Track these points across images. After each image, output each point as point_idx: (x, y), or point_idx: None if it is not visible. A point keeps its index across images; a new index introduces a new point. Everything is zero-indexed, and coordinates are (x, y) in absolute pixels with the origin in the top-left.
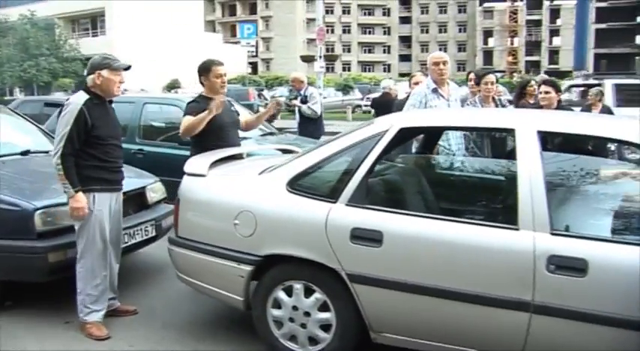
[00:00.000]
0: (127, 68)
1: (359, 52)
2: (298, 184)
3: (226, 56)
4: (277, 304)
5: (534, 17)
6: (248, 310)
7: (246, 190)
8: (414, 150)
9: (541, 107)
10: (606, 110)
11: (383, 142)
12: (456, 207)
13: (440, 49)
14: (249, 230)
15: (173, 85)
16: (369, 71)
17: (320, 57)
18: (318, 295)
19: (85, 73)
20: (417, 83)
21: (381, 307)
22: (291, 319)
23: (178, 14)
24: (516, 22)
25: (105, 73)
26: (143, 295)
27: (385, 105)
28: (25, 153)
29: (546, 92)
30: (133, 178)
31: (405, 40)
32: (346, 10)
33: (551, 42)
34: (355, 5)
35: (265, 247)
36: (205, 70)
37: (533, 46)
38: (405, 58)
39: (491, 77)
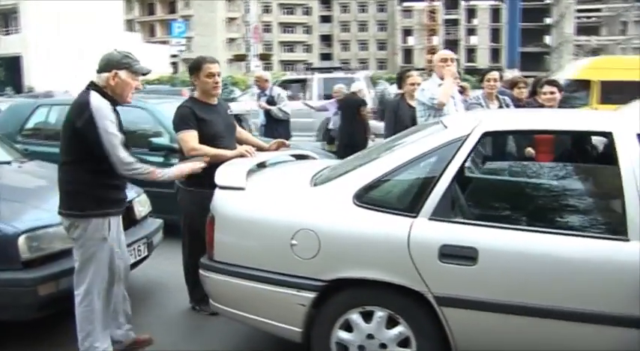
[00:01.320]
0: (147, 73)
1: (280, 51)
2: (368, 197)
3: (147, 56)
4: (348, 327)
5: (452, 17)
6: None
7: (303, 206)
8: None
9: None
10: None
11: (466, 148)
12: (555, 218)
13: (360, 48)
14: (311, 252)
15: None
16: (291, 70)
17: (255, 56)
18: (402, 329)
19: (98, 69)
20: (413, 84)
21: (473, 331)
22: (361, 347)
23: (97, 12)
24: (435, 21)
25: (123, 74)
26: (147, 323)
27: (347, 105)
28: None
29: (552, 92)
30: None
31: (326, 39)
32: (267, 9)
33: (468, 41)
34: (276, 4)
35: (333, 270)
36: (195, 68)
37: (451, 45)
38: (325, 56)
39: (494, 74)
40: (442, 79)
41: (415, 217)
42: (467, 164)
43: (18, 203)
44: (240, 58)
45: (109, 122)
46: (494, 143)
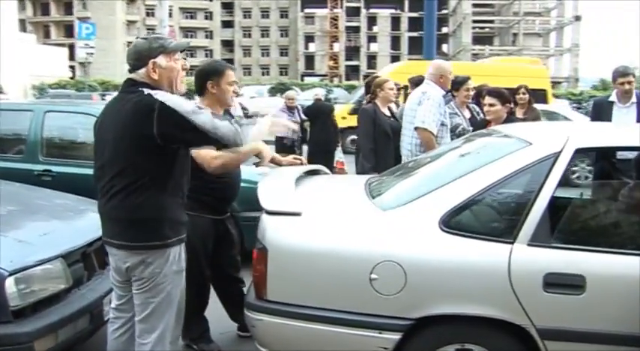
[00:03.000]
0: (185, 48)
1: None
2: (455, 223)
3: (43, 59)
4: None
5: (353, 24)
6: None
7: (382, 234)
8: None
9: (488, 122)
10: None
11: (559, 167)
12: None
13: (262, 54)
14: (396, 287)
15: None
16: (192, 76)
17: None
18: None
19: (130, 67)
20: (392, 89)
21: None
22: None
23: None
24: (336, 28)
25: (161, 60)
26: None
27: (320, 112)
28: None
29: (491, 104)
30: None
31: (228, 44)
32: (168, 13)
33: (369, 48)
34: (177, 8)
35: (422, 306)
36: (217, 73)
37: (352, 52)
38: (227, 62)
39: (471, 83)
40: (445, 90)
41: (512, 243)
42: (562, 183)
43: None
44: None
45: (183, 102)
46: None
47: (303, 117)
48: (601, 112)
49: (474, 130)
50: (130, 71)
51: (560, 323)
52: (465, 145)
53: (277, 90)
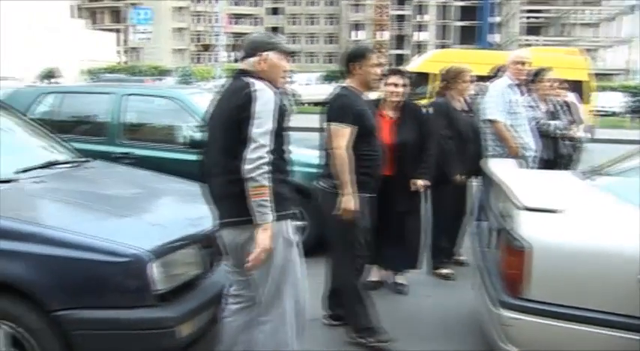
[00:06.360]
0: (294, 53)
1: (228, 42)
2: None
3: (93, 44)
4: None
5: (401, 12)
6: None
7: None
8: None
9: None
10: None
11: None
12: None
13: (308, 42)
14: None
15: (51, 74)
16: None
17: (223, 46)
18: None
19: (243, 54)
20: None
21: None
22: None
23: None
24: (386, 16)
25: (272, 55)
26: None
27: None
28: (49, 165)
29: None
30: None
31: (274, 32)
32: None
33: (417, 36)
34: None
35: None
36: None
37: (399, 40)
38: None
39: (549, 74)
40: (517, 79)
41: None
42: None
43: (130, 218)
44: (207, 47)
45: (270, 105)
46: None
47: None
48: None
49: None
50: (240, 59)
51: None
52: None
53: (332, 78)
